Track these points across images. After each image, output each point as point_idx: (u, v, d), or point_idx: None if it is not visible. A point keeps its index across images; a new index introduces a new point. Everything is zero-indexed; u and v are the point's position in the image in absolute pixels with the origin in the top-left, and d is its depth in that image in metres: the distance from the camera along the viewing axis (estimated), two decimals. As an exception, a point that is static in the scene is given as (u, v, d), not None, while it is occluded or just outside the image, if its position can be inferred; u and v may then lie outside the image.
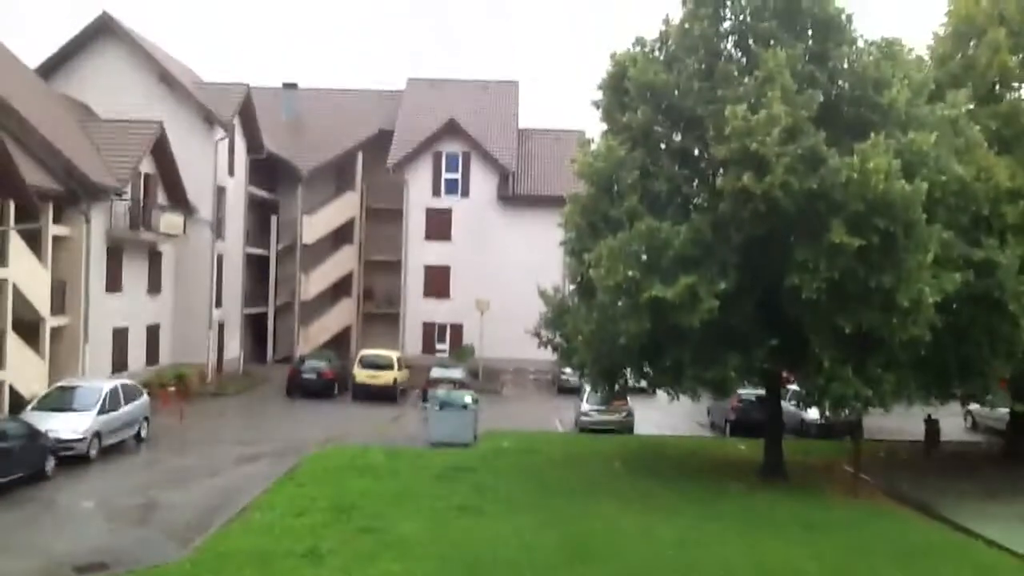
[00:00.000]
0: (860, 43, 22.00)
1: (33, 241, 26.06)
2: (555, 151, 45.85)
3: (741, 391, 26.04)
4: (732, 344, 20.26)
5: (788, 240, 20.16)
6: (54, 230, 27.43)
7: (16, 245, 24.81)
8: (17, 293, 24.92)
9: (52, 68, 35.90)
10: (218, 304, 38.09)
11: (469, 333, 43.67)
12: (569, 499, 19.27)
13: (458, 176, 45.82)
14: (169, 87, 36.32)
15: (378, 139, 47.64)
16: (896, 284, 19.07)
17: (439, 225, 45.38)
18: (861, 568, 14.71)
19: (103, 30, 36.23)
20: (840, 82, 21.63)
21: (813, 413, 26.77)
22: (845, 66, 21.56)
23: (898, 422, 28.48)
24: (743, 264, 20.46)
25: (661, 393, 25.10)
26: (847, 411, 21.48)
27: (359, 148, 47.76)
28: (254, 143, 41.54)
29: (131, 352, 32.11)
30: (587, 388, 28.49)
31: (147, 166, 32.73)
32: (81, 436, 21.47)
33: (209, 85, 40.57)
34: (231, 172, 39.39)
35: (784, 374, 24.23)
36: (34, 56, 36.68)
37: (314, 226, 46.03)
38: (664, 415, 32.75)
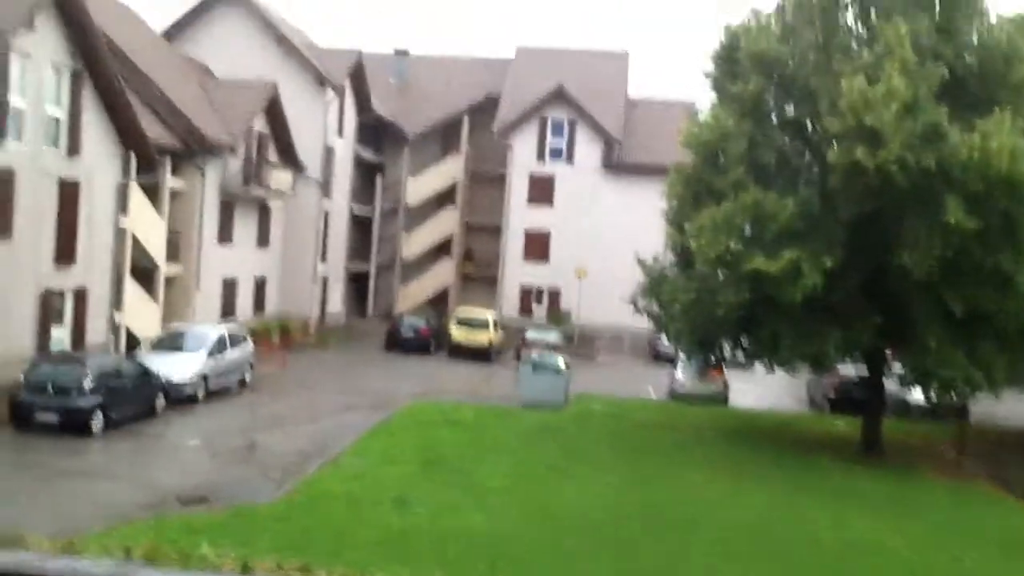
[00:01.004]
0: (992, 17, 20.96)
1: (151, 193, 27.25)
2: (663, 121, 45.01)
3: (843, 368, 25.38)
4: (833, 319, 19.76)
5: (899, 217, 19.44)
6: (171, 183, 28.59)
7: (136, 196, 25.97)
8: (135, 241, 26.13)
9: (177, 31, 37.25)
10: (323, 259, 39.17)
11: (567, 298, 43.75)
12: (656, 464, 19.22)
13: (563, 143, 45.67)
14: (285, 50, 37.25)
15: (485, 104, 47.79)
16: (1016, 266, 18.22)
17: (542, 190, 45.37)
18: (950, 550, 14.22)
19: (226, -5, 37.32)
20: (967, 56, 20.66)
21: (917, 394, 25.85)
22: (974, 40, 20.57)
23: (1010, 408, 27.27)
24: (850, 240, 19.87)
25: (759, 367, 24.65)
26: (954, 394, 20.72)
27: (465, 112, 48.03)
28: (363, 106, 42.27)
29: (239, 301, 33.35)
30: (682, 357, 28.22)
31: (260, 125, 33.69)
32: (190, 378, 22.50)
33: (323, 50, 41.41)
34: (340, 133, 40.22)
35: (887, 352, 23.50)
36: (162, 20, 38.08)
37: (418, 188, 46.69)
38: (761, 389, 32.19)
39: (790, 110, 22.30)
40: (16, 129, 20.36)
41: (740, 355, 23.53)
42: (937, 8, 20.79)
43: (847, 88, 18.85)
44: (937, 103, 19.00)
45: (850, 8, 21.80)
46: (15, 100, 20.18)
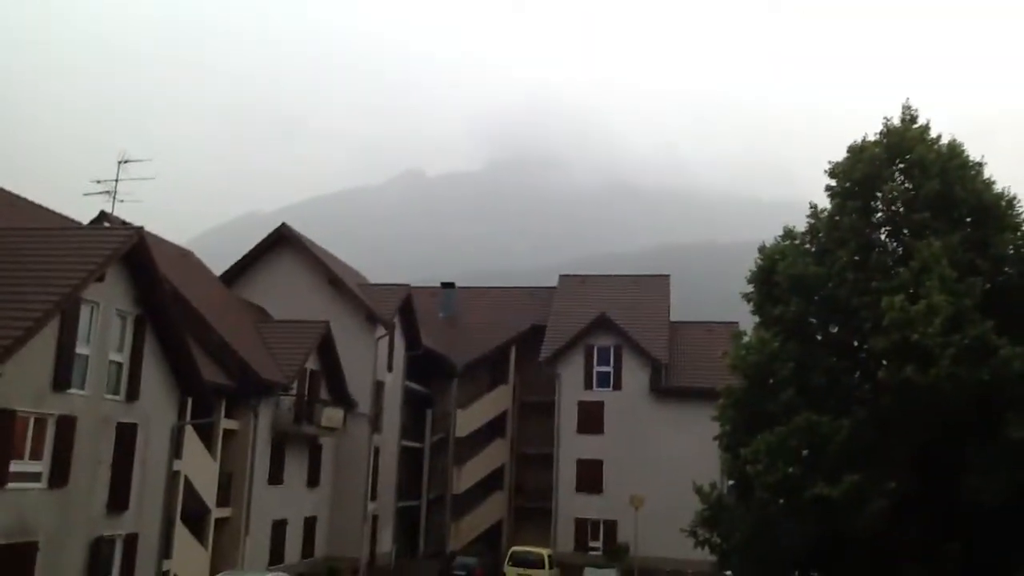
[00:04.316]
0: (1024, 228, 21.27)
1: (205, 435, 27.62)
2: (707, 343, 45.29)
3: None
4: (908, 553, 18.68)
5: (960, 437, 18.86)
6: (225, 424, 29.01)
7: (190, 439, 26.33)
8: (187, 484, 26.19)
9: (235, 275, 39.20)
10: (373, 497, 38.67)
11: (623, 530, 42.17)
12: None
13: (610, 369, 45.82)
14: (337, 289, 38.80)
15: (530, 334, 48.60)
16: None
17: (591, 418, 45.04)
18: None
19: (280, 240, 39.57)
20: (1006, 268, 20.82)
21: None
22: (1010, 252, 20.79)
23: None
24: (914, 461, 19.20)
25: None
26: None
27: (512, 343, 48.81)
28: (412, 340, 43.24)
29: (288, 544, 32.74)
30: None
31: (312, 363, 34.50)
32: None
33: (373, 286, 43.07)
34: (390, 368, 40.93)
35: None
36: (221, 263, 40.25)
37: (467, 419, 46.70)
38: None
39: (834, 330, 22.30)
40: (80, 376, 21.06)
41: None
42: (968, 223, 21.20)
43: (887, 306, 18.92)
44: (982, 317, 18.94)
45: (882, 228, 22.32)
46: (81, 348, 21.02)
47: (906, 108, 22.56)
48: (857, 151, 22.32)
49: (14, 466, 18.96)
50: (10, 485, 18.81)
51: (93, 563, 21.28)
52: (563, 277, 52.76)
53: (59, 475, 20.23)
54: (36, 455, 19.78)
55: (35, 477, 19.74)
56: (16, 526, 19.02)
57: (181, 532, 25.78)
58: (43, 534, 19.76)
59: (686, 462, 37.19)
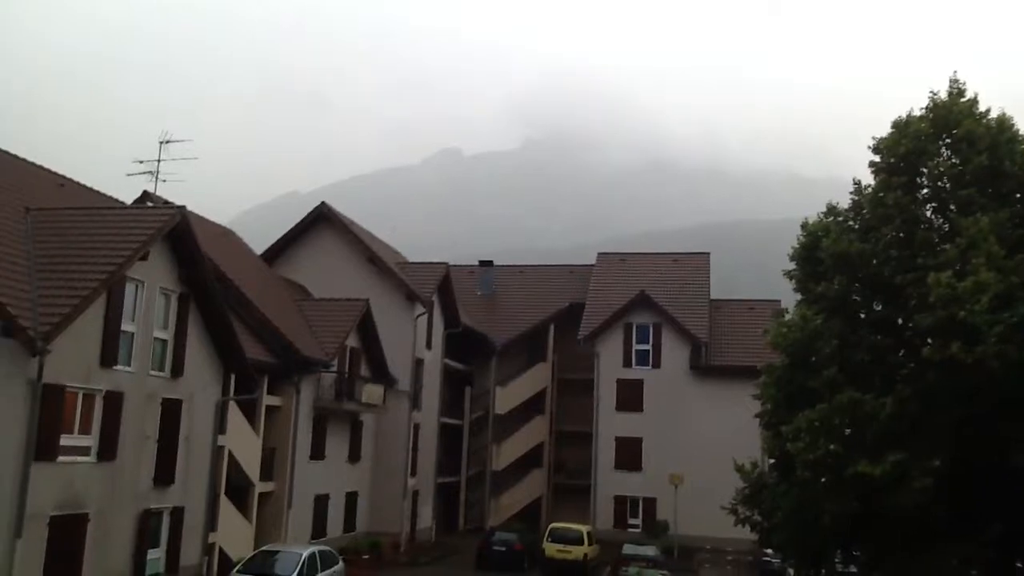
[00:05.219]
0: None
1: (248, 410, 28.02)
2: (749, 321, 44.99)
3: None
4: (949, 528, 18.48)
5: (1008, 414, 18.55)
6: (267, 400, 29.40)
7: (234, 414, 26.72)
8: (231, 459, 26.62)
9: (276, 253, 39.61)
10: (413, 473, 39.03)
11: (663, 508, 42.23)
12: None
13: (649, 347, 45.71)
14: (376, 267, 39.05)
15: (569, 312, 48.61)
16: None
17: (630, 396, 45.04)
18: None
19: (320, 219, 39.87)
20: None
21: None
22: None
23: None
24: (958, 439, 18.93)
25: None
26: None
27: (550, 321, 48.85)
28: (451, 318, 43.42)
29: (330, 518, 33.19)
30: (791, 572, 26.58)
31: (353, 340, 34.78)
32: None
33: (412, 264, 43.29)
34: (429, 345, 41.15)
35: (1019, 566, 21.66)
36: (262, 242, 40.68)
37: (506, 397, 46.86)
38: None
39: (879, 307, 21.98)
40: (126, 353, 21.46)
41: (854, 569, 22.04)
42: (1018, 199, 20.71)
43: (934, 282, 18.58)
44: (1032, 295, 18.52)
45: (928, 204, 21.88)
46: (126, 325, 21.40)
47: (953, 81, 22.01)
48: (902, 126, 21.85)
49: (64, 440, 19.43)
50: (61, 458, 19.30)
51: (141, 535, 21.78)
52: (601, 255, 52.65)
53: (107, 449, 20.69)
54: (85, 430, 20.25)
55: (84, 451, 20.22)
56: (67, 498, 19.50)
57: (226, 505, 26.23)
58: (93, 506, 20.24)
59: (726, 440, 37.01)
